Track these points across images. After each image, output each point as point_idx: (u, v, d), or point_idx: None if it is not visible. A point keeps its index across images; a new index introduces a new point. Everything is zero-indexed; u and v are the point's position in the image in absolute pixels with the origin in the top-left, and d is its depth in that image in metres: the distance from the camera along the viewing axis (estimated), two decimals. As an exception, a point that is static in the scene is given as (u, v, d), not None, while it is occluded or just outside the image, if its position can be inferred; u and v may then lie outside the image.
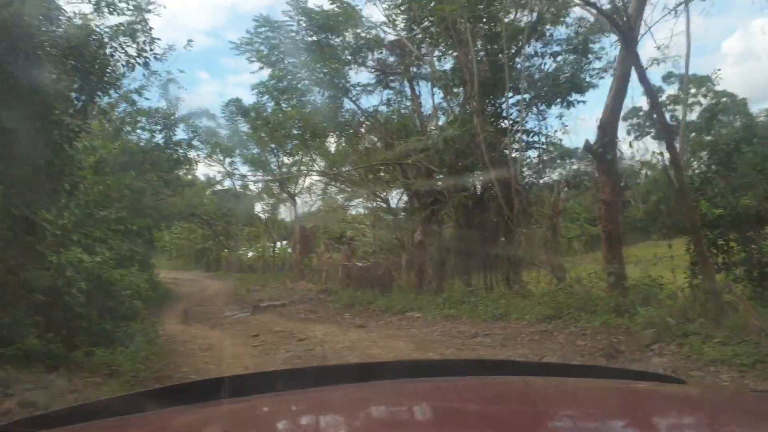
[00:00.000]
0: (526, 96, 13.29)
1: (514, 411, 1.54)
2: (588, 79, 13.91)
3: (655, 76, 41.23)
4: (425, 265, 14.06)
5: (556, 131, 15.15)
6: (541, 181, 13.94)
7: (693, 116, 32.79)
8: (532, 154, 14.61)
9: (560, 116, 14.42)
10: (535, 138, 14.16)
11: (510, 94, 13.31)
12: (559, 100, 13.60)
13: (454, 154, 12.43)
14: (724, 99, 35.54)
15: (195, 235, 49.34)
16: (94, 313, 9.06)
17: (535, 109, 13.88)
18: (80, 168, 10.40)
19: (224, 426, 1.40)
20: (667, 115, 27.10)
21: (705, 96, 36.66)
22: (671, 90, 35.05)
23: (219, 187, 39.88)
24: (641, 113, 35.19)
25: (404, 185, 13.52)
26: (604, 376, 2.09)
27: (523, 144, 13.81)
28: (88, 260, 9.30)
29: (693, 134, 27.74)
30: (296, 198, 28.55)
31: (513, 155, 13.34)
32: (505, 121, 13.92)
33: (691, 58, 12.88)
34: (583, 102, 14.40)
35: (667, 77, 33.05)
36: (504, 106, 13.92)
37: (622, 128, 40.73)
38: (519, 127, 13.63)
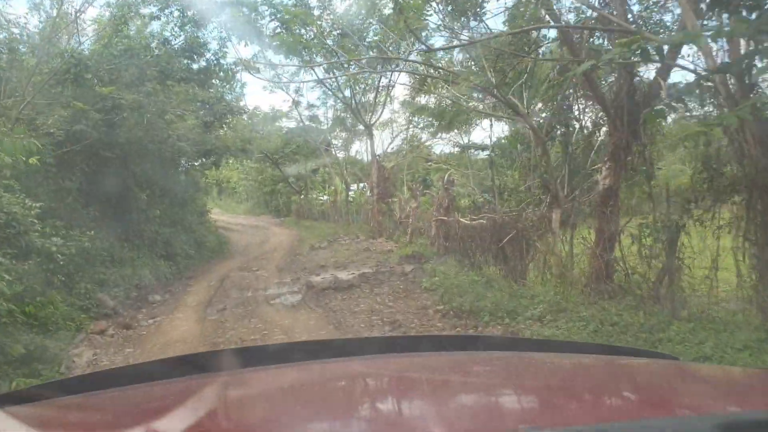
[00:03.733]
0: None
1: (509, 386, 1.54)
2: None
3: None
4: (614, 237, 7.23)
5: None
6: None
7: None
8: None
9: None
10: None
11: None
12: None
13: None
14: None
15: (264, 176, 44.42)
16: None
17: None
18: None
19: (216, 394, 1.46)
20: None
21: None
22: None
23: (285, 120, 34.03)
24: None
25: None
26: (600, 352, 2.05)
27: None
28: None
29: None
30: (373, 130, 22.07)
31: None
32: None
33: None
34: None
35: None
36: None
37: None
38: None
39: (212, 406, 1.43)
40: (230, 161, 48.95)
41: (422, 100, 25.42)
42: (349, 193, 34.37)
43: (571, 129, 11.21)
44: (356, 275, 13.26)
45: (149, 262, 15.84)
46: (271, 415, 1.40)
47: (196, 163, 21.05)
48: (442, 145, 29.54)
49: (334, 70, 17.37)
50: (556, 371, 1.70)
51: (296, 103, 30.18)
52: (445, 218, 14.24)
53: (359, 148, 35.01)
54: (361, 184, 36.34)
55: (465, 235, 12.90)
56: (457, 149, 33.11)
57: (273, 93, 32.78)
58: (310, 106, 30.51)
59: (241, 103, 24.03)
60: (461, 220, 13.21)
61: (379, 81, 21.10)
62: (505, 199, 12.20)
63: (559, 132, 11.33)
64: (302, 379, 1.67)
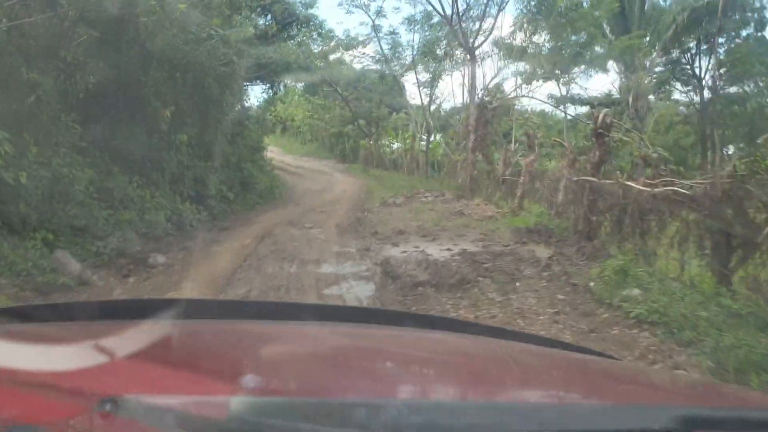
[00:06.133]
0: None
1: (448, 367, 1.56)
2: None
3: None
4: None
5: None
6: None
7: None
8: None
9: None
10: None
11: None
12: None
13: None
14: None
15: (331, 116, 40.17)
16: None
17: None
18: None
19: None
20: None
21: None
22: None
23: (361, 49, 29.10)
24: None
25: None
26: (544, 345, 2.00)
27: None
28: None
29: None
30: (476, 55, 16.83)
31: None
32: None
33: None
34: None
35: None
36: None
37: None
38: None
39: (160, 350, 1.30)
40: (296, 96, 44.96)
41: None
42: (431, 141, 29.67)
43: None
44: (456, 254, 8.68)
45: (167, 204, 11.69)
46: (208, 365, 1.33)
47: (246, 84, 16.57)
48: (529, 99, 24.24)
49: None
50: (496, 355, 1.68)
51: (376, 28, 25.38)
52: (594, 179, 9.37)
53: (447, 89, 30.07)
54: (438, 135, 31.58)
55: (637, 208, 8.05)
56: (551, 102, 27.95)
57: (350, 14, 27.62)
58: (392, 33, 25.59)
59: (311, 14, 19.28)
60: (631, 184, 8.34)
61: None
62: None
63: None
64: (246, 336, 1.61)
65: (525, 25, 18.17)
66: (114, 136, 10.44)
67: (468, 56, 17.14)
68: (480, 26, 17.45)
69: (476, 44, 16.98)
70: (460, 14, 16.22)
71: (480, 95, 16.95)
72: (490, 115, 15.75)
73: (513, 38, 20.06)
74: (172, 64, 11.59)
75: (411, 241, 10.33)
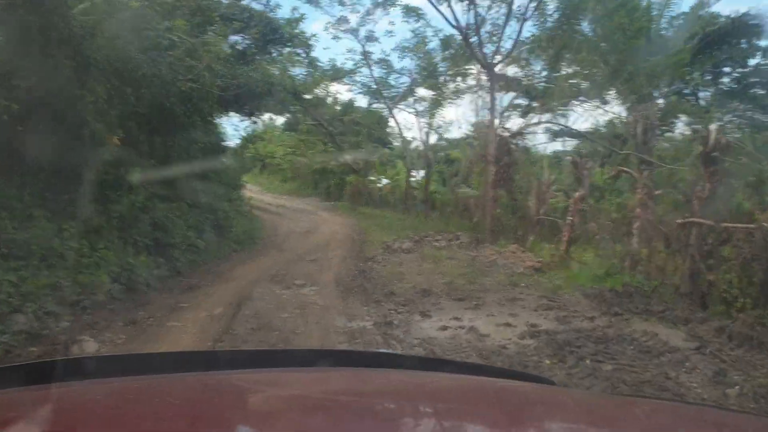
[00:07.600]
0: None
1: (379, 403, 1.52)
2: None
3: None
4: None
5: None
6: None
7: None
8: None
9: None
10: None
11: None
12: None
13: None
14: None
15: (314, 151, 37.70)
16: None
17: None
18: None
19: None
20: None
21: None
22: None
23: (349, 78, 26.66)
24: None
25: None
26: (479, 373, 2.01)
27: None
28: None
29: None
30: (494, 69, 14.11)
31: None
32: None
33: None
34: None
35: None
36: None
37: None
38: None
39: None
40: (276, 133, 42.41)
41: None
42: (422, 175, 27.17)
43: None
44: (526, 335, 5.90)
45: (114, 259, 8.74)
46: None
47: (221, 114, 13.78)
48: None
49: None
50: (432, 391, 1.61)
51: (366, 55, 22.98)
52: (708, 222, 6.69)
53: (448, 118, 27.61)
54: (421, 171, 29.13)
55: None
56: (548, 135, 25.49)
57: (337, 40, 25.03)
58: (385, 59, 23.20)
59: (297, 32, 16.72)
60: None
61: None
62: None
63: None
64: (143, 395, 1.43)
65: (543, 43, 15.72)
66: (36, 168, 7.60)
67: (486, 75, 14.50)
68: (500, 42, 14.93)
69: (495, 61, 14.36)
70: (478, 25, 13.67)
71: (498, 121, 14.35)
72: (513, 143, 13.16)
73: (530, 58, 17.59)
74: (121, 76, 8.81)
75: (444, 307, 7.54)
